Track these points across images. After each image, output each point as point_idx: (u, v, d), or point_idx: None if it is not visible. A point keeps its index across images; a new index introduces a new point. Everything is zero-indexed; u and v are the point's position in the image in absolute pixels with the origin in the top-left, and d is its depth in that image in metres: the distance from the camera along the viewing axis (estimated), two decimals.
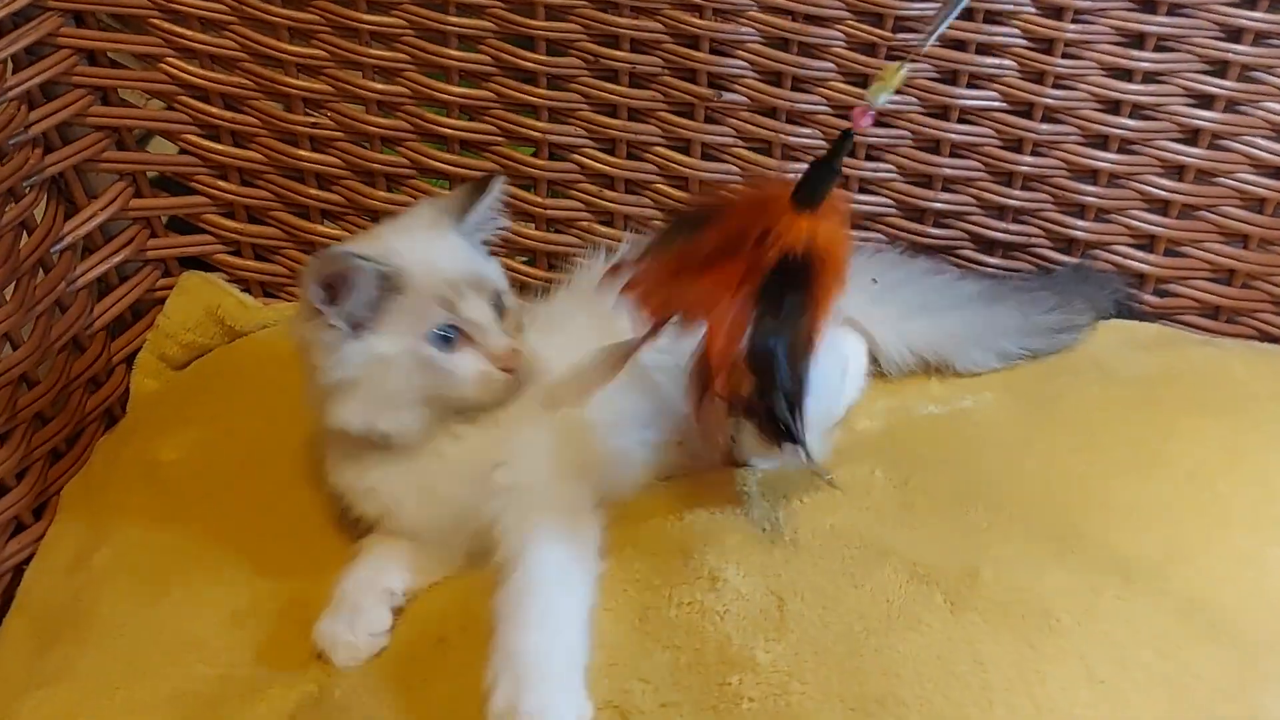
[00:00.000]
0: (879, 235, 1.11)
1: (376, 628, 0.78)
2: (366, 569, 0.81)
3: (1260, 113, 1.05)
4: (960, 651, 0.71)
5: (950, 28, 1.03)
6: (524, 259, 1.15)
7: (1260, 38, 1.02)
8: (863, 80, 1.06)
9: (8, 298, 0.98)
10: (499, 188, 0.86)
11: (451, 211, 0.85)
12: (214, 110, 1.10)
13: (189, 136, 1.11)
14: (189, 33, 1.08)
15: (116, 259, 1.11)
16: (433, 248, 0.82)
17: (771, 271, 0.71)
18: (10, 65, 1.01)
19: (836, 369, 0.92)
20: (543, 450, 0.80)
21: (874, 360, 0.99)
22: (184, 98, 1.10)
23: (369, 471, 0.82)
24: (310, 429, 0.92)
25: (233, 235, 1.15)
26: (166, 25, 1.07)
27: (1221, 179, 1.07)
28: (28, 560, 0.96)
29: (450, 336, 0.79)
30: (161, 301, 1.13)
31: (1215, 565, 0.80)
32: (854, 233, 1.11)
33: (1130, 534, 0.82)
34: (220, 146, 1.12)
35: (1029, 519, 0.84)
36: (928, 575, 0.77)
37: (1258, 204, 1.08)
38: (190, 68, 1.09)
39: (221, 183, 1.13)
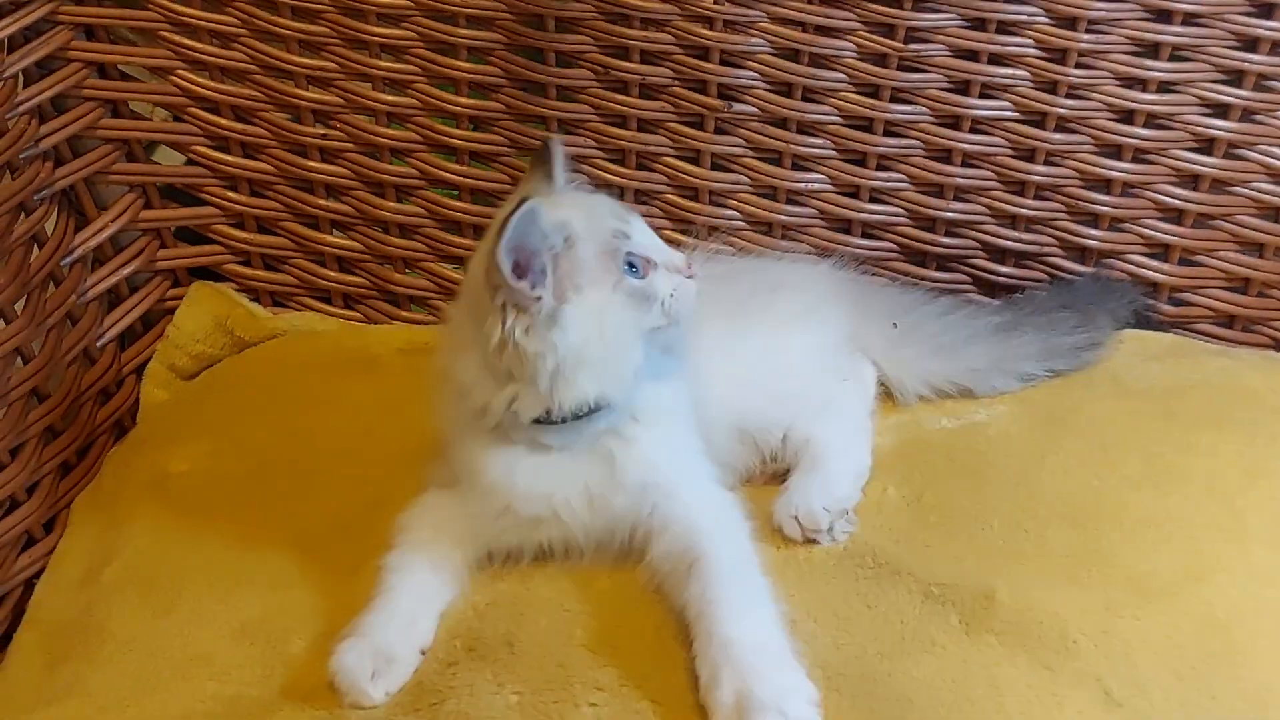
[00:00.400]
0: (890, 244, 1.11)
1: (395, 686, 0.77)
2: (401, 617, 0.79)
3: (1277, 121, 1.04)
4: (976, 675, 0.71)
5: (962, 38, 1.03)
6: None
7: (1277, 46, 1.01)
8: (874, 90, 1.05)
9: (19, 312, 0.98)
10: (560, 148, 0.86)
11: (540, 186, 0.84)
12: (224, 122, 1.11)
13: (199, 148, 1.12)
14: (199, 45, 1.08)
15: (127, 270, 1.11)
16: (566, 201, 0.82)
17: None
18: (21, 80, 1.01)
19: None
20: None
21: (888, 392, 0.98)
22: (194, 109, 1.10)
23: (541, 474, 0.80)
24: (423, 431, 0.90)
25: (242, 245, 1.15)
26: (177, 38, 1.08)
27: (1237, 188, 1.07)
28: (38, 574, 0.95)
29: (636, 265, 0.79)
30: (171, 312, 1.14)
31: (1233, 582, 0.80)
32: (866, 242, 1.11)
33: (1147, 550, 0.82)
34: (230, 157, 1.12)
35: (1044, 535, 0.83)
36: (942, 595, 0.77)
37: (1273, 213, 1.07)
38: (200, 80, 1.09)
39: (231, 193, 1.13)
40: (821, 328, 0.95)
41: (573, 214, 0.79)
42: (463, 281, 0.84)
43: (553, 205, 0.79)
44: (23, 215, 1.01)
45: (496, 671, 0.75)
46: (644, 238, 0.81)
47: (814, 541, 0.83)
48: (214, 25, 1.07)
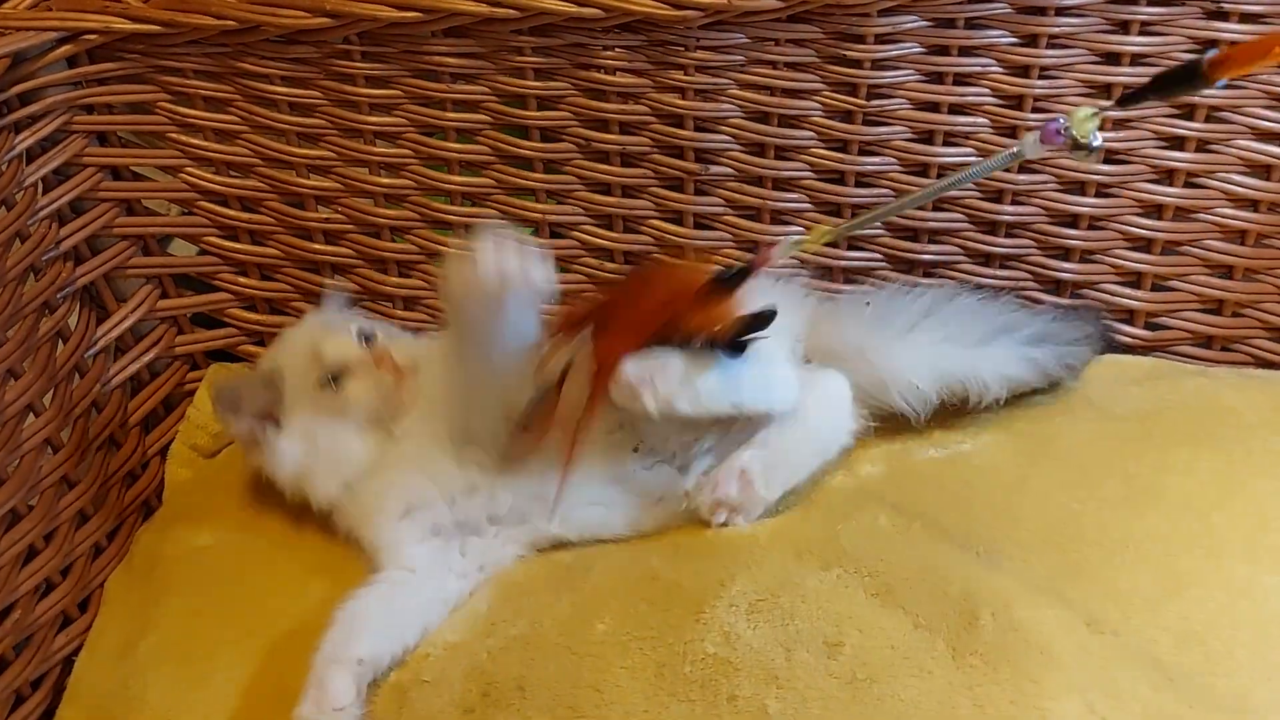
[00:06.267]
0: (870, 288, 1.15)
1: (337, 691, 0.82)
2: (330, 641, 0.86)
3: (1232, 150, 1.08)
4: (961, 695, 0.74)
5: (921, 91, 1.08)
6: None
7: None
8: (842, 145, 1.10)
9: (47, 405, 1.04)
10: (333, 300, 1.08)
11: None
12: (232, 212, 1.17)
13: (210, 238, 1.18)
14: (205, 143, 1.14)
15: (147, 358, 1.17)
16: (294, 336, 1.02)
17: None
18: (40, 187, 1.07)
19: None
20: None
21: (879, 412, 0.98)
22: (203, 203, 1.16)
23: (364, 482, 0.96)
24: None
25: (255, 327, 1.21)
26: (184, 138, 1.14)
27: (1200, 215, 1.11)
28: (76, 652, 1.00)
29: (337, 377, 0.96)
30: (191, 394, 1.19)
31: (1210, 596, 0.82)
32: (848, 286, 1.16)
33: (1126, 568, 0.85)
34: (240, 245, 1.18)
35: (1027, 558, 0.86)
36: (929, 622, 0.80)
37: (1239, 236, 1.11)
38: (208, 175, 1.15)
39: (242, 279, 1.19)
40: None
41: (278, 353, 1.00)
42: None
43: (278, 347, 1.01)
44: (47, 313, 1.07)
45: (510, 715, 0.79)
46: (336, 350, 0.97)
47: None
48: (217, 124, 1.13)
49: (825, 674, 0.77)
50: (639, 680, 0.79)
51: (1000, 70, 1.07)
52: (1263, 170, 1.09)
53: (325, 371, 0.96)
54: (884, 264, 1.15)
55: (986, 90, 1.08)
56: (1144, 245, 1.13)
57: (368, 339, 0.98)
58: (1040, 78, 1.07)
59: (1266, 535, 0.87)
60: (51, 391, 1.05)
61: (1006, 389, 0.99)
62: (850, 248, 1.15)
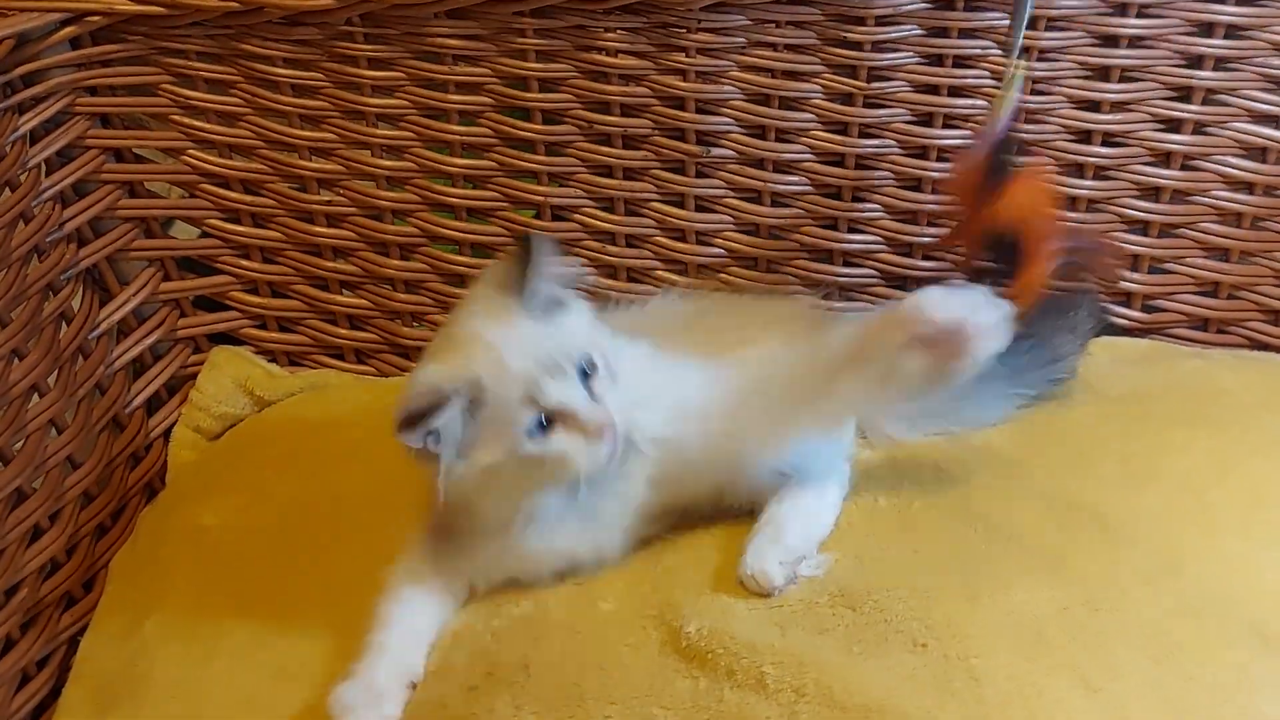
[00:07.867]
0: (871, 270, 1.16)
1: (391, 713, 0.81)
2: (392, 652, 0.84)
3: (1228, 133, 1.09)
4: (956, 668, 0.75)
5: (921, 73, 1.09)
6: None
7: (1220, 63, 1.07)
8: (842, 127, 1.11)
9: (51, 386, 1.05)
10: (544, 249, 0.82)
11: (510, 289, 0.82)
12: (234, 195, 1.17)
13: (212, 221, 1.18)
14: (207, 126, 1.14)
15: (150, 340, 1.17)
16: (504, 344, 0.80)
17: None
18: (44, 169, 1.08)
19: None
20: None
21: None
22: (206, 185, 1.17)
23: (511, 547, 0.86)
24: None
25: (257, 310, 1.21)
26: (186, 120, 1.14)
27: (1197, 197, 1.12)
28: (81, 631, 1.01)
29: (546, 421, 0.80)
30: (194, 377, 1.19)
31: (1207, 572, 0.83)
32: (847, 270, 1.16)
33: (1124, 547, 0.86)
34: (242, 228, 1.18)
35: (1025, 538, 0.87)
36: (927, 595, 0.80)
37: (1235, 218, 1.12)
38: (210, 157, 1.16)
39: (244, 261, 1.20)
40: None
41: (487, 372, 0.78)
42: None
43: (478, 351, 0.79)
44: (51, 295, 1.07)
45: (515, 694, 0.79)
46: (558, 398, 0.79)
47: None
48: (220, 106, 1.13)
49: (822, 649, 0.78)
50: (642, 658, 0.80)
51: (1000, 53, 1.08)
52: (1259, 153, 1.10)
53: (542, 412, 0.79)
54: (884, 247, 1.16)
55: (986, 73, 1.08)
56: (1141, 228, 1.13)
57: (591, 368, 0.81)
58: (1039, 60, 1.07)
59: (1262, 512, 0.88)
60: (56, 372, 1.05)
61: (999, 423, 1.00)
62: (850, 230, 1.15)
